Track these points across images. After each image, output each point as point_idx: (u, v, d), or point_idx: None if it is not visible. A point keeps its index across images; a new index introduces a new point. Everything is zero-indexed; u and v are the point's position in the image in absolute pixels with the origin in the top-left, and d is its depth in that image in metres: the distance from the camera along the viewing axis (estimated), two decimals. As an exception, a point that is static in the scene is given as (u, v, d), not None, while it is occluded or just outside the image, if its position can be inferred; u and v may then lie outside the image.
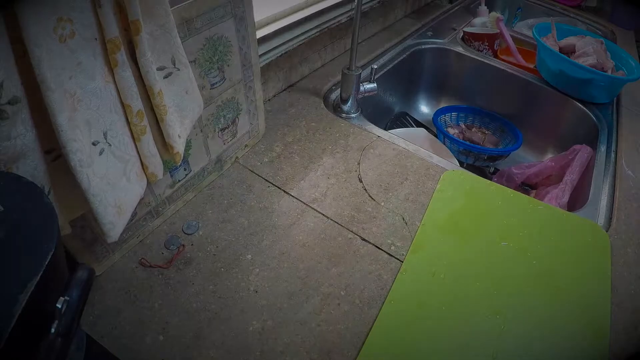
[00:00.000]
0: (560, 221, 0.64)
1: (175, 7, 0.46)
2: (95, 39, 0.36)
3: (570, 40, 1.04)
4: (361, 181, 0.67)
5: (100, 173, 0.38)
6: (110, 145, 0.39)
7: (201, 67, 0.53)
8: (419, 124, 1.16)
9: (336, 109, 0.83)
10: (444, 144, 1.01)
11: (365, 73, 0.89)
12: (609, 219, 0.66)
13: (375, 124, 0.80)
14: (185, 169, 0.58)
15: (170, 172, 0.56)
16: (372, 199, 0.64)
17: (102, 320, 0.47)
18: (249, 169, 0.67)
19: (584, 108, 0.97)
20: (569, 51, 1.03)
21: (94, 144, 0.37)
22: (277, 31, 0.75)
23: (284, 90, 0.86)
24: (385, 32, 1.13)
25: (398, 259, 0.56)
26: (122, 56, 0.37)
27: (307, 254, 0.56)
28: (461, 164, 1.02)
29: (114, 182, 0.40)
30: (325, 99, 0.86)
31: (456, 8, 1.38)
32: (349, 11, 0.91)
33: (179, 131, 0.47)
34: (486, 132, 1.12)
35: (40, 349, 0.23)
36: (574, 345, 0.49)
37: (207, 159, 0.62)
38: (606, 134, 0.88)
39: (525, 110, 1.08)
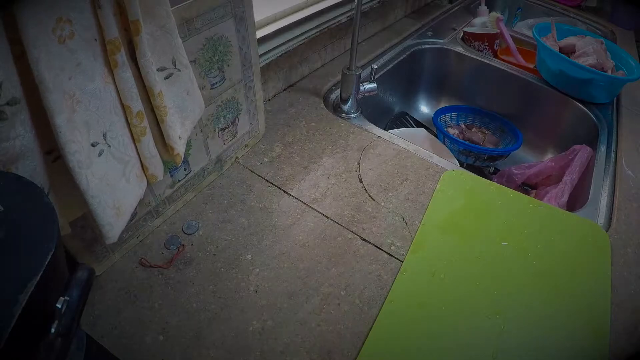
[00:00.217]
0: (560, 221, 0.64)
1: (175, 7, 0.46)
2: (95, 39, 0.36)
3: (570, 40, 1.04)
4: (361, 181, 0.67)
5: (99, 174, 0.38)
6: (109, 146, 0.39)
7: (201, 67, 0.53)
8: (419, 124, 1.16)
9: (336, 109, 0.83)
10: (444, 144, 1.01)
11: (365, 73, 0.89)
12: (609, 219, 0.66)
13: (375, 124, 0.80)
14: (185, 169, 0.58)
15: (170, 172, 0.56)
16: (372, 199, 0.64)
17: (102, 320, 0.47)
18: (249, 169, 0.67)
19: (584, 108, 0.97)
20: (569, 51, 1.03)
21: (93, 145, 0.37)
22: (277, 31, 0.75)
23: (284, 90, 0.86)
24: (385, 32, 1.13)
25: (398, 259, 0.56)
26: (122, 57, 0.37)
27: (307, 254, 0.56)
28: (461, 164, 1.02)
29: (113, 183, 0.40)
30: (325, 99, 0.86)
31: (456, 8, 1.38)
32: (349, 11, 0.91)
33: (179, 132, 0.47)
34: (486, 132, 1.11)
35: (40, 349, 0.23)
36: (574, 345, 0.49)
37: (207, 159, 0.62)
38: (606, 134, 0.88)
39: (525, 110, 1.08)
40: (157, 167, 0.46)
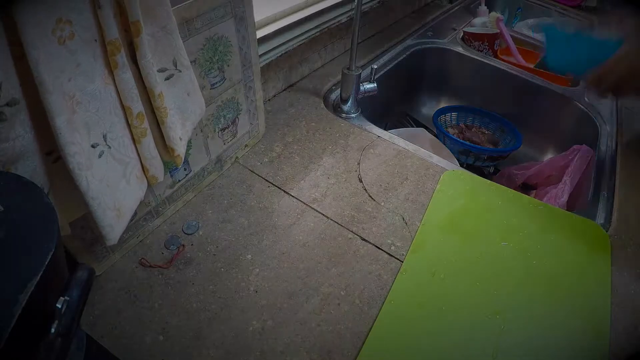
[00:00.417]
0: (560, 221, 0.64)
1: (176, 7, 0.46)
2: (95, 40, 0.36)
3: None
4: (361, 181, 0.67)
5: (100, 176, 0.38)
6: (110, 147, 0.39)
7: (201, 67, 0.53)
8: (419, 124, 1.16)
9: (336, 109, 0.83)
10: (444, 144, 1.01)
11: (365, 73, 0.89)
12: (609, 219, 0.66)
13: (375, 124, 0.80)
14: (185, 169, 0.58)
15: (170, 173, 0.56)
16: (372, 199, 0.64)
17: (102, 320, 0.47)
18: (249, 169, 0.68)
19: (584, 108, 0.97)
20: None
21: (93, 146, 0.37)
22: (277, 31, 0.75)
23: (284, 90, 0.86)
24: (385, 32, 1.13)
25: (398, 259, 0.56)
26: (122, 58, 0.37)
27: (307, 254, 0.56)
28: (461, 164, 1.02)
29: (113, 184, 0.40)
30: (325, 99, 0.86)
31: (456, 8, 1.38)
32: (349, 11, 0.91)
33: (180, 133, 0.47)
34: (486, 132, 1.11)
35: (40, 349, 0.23)
36: (574, 345, 0.49)
37: (207, 159, 0.62)
38: (606, 134, 0.88)
39: (525, 110, 1.08)
40: (157, 169, 0.46)
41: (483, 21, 1.23)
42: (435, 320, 0.50)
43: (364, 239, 0.58)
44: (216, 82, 0.57)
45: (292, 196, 0.64)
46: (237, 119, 0.64)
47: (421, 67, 1.16)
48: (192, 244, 0.56)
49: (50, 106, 0.31)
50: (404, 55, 1.07)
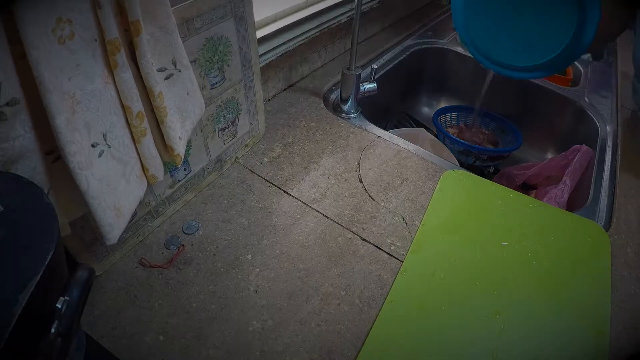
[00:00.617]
0: (560, 221, 0.64)
1: (176, 7, 0.46)
2: (95, 40, 0.36)
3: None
4: (361, 181, 0.67)
5: (100, 175, 0.38)
6: (109, 147, 0.39)
7: (201, 67, 0.53)
8: (419, 124, 1.16)
9: (336, 109, 0.83)
10: (444, 144, 1.01)
11: (365, 73, 0.89)
12: (609, 219, 0.66)
13: (375, 124, 0.80)
14: (185, 169, 0.58)
15: (170, 172, 0.56)
16: (372, 199, 0.64)
17: (102, 320, 0.47)
18: (249, 169, 0.68)
19: (584, 108, 0.97)
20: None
21: (93, 145, 0.37)
22: (277, 31, 0.75)
23: (284, 90, 0.86)
24: (385, 32, 1.13)
25: (398, 259, 0.56)
26: (122, 57, 0.37)
27: (307, 254, 0.56)
28: (461, 164, 1.02)
29: (113, 184, 0.40)
30: (325, 99, 0.86)
31: (456, 8, 1.38)
32: (349, 11, 0.91)
33: (179, 133, 0.47)
34: (486, 132, 1.11)
35: (40, 349, 0.23)
36: (574, 345, 0.49)
37: (207, 159, 0.62)
38: (606, 134, 0.88)
39: (525, 110, 1.08)
40: (157, 168, 0.46)
41: (483, 21, 1.23)
42: (435, 320, 0.50)
43: (364, 239, 0.58)
44: (216, 82, 0.57)
45: (292, 196, 0.64)
46: (237, 119, 0.64)
47: (421, 67, 1.16)
48: (192, 244, 0.56)
49: (50, 105, 0.31)
50: (404, 55, 1.07)
